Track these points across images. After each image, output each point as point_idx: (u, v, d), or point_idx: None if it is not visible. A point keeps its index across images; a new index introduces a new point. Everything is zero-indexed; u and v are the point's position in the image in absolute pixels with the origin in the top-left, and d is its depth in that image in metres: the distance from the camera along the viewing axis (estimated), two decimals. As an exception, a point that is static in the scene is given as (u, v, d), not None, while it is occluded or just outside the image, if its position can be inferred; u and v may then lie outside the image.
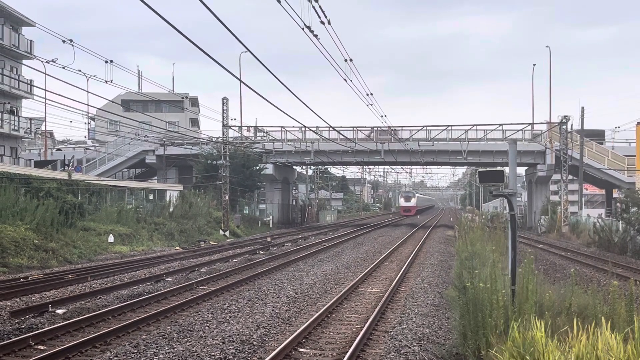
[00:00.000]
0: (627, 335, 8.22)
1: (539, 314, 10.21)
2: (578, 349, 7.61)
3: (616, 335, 7.85)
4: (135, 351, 12.28)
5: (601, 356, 7.43)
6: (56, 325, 13.96)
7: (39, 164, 55.68)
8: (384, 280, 22.85)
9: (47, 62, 31.24)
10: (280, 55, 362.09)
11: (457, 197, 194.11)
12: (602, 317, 8.97)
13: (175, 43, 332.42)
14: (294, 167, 73.07)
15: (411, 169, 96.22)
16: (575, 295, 11.76)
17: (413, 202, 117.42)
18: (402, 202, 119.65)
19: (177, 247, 38.53)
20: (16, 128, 52.43)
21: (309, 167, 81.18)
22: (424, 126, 56.51)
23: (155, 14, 11.32)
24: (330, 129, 48.61)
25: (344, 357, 11.53)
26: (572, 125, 54.43)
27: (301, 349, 12.64)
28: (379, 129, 56.66)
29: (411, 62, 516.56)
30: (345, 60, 24.33)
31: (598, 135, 66.79)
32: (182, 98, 78.60)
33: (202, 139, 59.81)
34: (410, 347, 12.66)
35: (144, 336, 13.46)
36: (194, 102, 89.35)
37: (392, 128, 54.04)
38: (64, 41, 27.87)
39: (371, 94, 31.65)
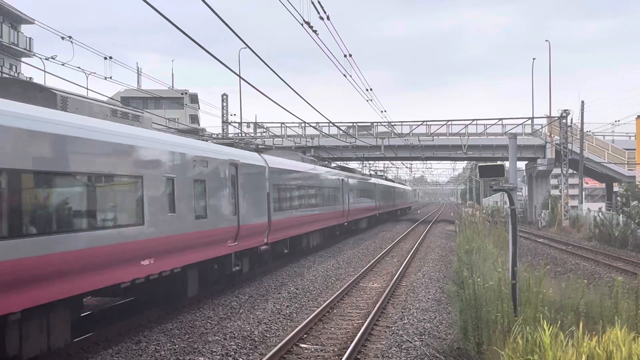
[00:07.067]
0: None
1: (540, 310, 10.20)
2: (588, 349, 7.59)
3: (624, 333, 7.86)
4: (137, 348, 12.30)
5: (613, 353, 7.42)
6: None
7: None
8: (385, 275, 22.86)
9: (46, 59, 31.17)
10: (279, 51, 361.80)
11: (457, 191, 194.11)
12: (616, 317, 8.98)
13: (174, 39, 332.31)
14: (294, 162, 72.88)
15: (411, 164, 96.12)
16: (578, 291, 11.75)
17: None
18: None
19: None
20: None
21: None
22: (423, 121, 56.44)
23: (154, 10, 11.29)
24: (331, 124, 48.60)
25: (346, 352, 11.54)
26: (572, 119, 54.42)
27: (302, 345, 12.66)
28: (378, 124, 56.61)
29: (411, 57, 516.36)
30: (345, 56, 24.25)
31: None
32: (182, 94, 78.50)
33: (202, 135, 59.69)
34: (411, 342, 12.67)
35: (146, 332, 13.47)
36: (194, 98, 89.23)
37: (392, 123, 54.00)
38: (63, 38, 27.79)
39: (371, 89, 31.58)
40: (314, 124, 50.69)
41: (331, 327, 14.35)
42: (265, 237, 21.20)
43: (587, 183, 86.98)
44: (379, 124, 56.44)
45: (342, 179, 37.18)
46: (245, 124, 62.72)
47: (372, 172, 70.47)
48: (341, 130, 51.95)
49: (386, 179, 70.99)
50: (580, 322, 8.85)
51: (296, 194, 26.02)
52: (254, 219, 19.86)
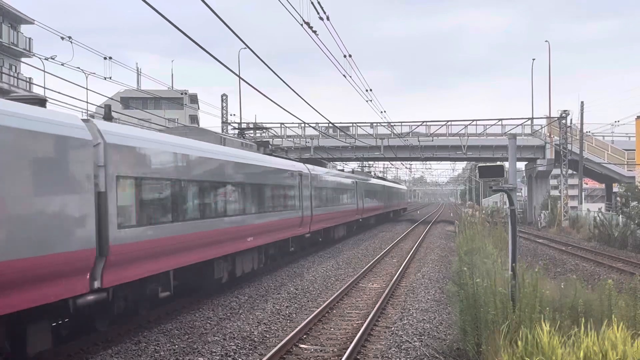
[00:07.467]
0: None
1: (538, 311, 10.20)
2: (586, 347, 7.61)
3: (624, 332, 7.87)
4: (136, 348, 12.30)
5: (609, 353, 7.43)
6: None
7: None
8: (385, 276, 22.86)
9: (45, 59, 31.21)
10: (279, 51, 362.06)
11: (457, 192, 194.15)
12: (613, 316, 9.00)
13: (174, 40, 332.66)
14: (294, 163, 72.70)
15: (411, 164, 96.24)
16: (578, 292, 11.75)
17: None
18: None
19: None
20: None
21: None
22: (423, 122, 56.47)
23: (154, 11, 11.31)
24: (330, 124, 48.62)
25: (345, 352, 11.54)
26: (571, 120, 54.46)
27: (302, 345, 12.66)
28: (378, 124, 56.64)
29: (411, 57, 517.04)
30: (345, 57, 24.28)
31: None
32: (182, 94, 78.53)
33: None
34: (411, 343, 12.68)
35: (145, 333, 13.48)
36: (194, 98, 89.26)
37: (391, 123, 54.03)
38: (62, 38, 27.83)
39: (370, 90, 31.61)
40: (313, 125, 50.71)
41: (331, 328, 14.35)
42: (96, 276, 11.39)
43: (586, 183, 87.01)
44: (378, 124, 56.46)
45: (301, 174, 27.37)
46: (245, 125, 62.72)
47: (356, 169, 68.10)
48: (342, 131, 51.91)
49: (374, 176, 66.73)
50: (581, 321, 8.85)
51: (193, 193, 15.42)
52: (50, 245, 10.05)
